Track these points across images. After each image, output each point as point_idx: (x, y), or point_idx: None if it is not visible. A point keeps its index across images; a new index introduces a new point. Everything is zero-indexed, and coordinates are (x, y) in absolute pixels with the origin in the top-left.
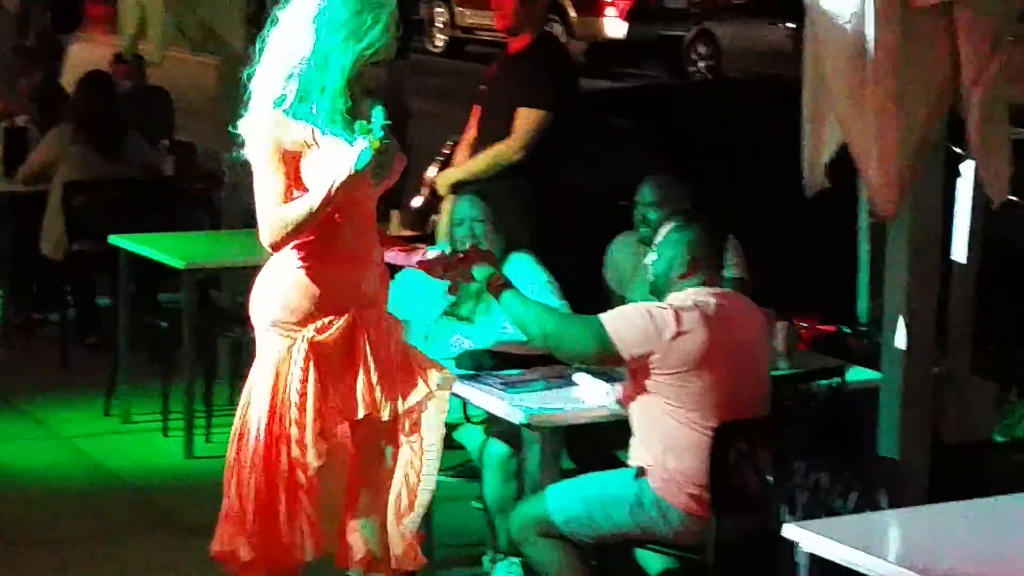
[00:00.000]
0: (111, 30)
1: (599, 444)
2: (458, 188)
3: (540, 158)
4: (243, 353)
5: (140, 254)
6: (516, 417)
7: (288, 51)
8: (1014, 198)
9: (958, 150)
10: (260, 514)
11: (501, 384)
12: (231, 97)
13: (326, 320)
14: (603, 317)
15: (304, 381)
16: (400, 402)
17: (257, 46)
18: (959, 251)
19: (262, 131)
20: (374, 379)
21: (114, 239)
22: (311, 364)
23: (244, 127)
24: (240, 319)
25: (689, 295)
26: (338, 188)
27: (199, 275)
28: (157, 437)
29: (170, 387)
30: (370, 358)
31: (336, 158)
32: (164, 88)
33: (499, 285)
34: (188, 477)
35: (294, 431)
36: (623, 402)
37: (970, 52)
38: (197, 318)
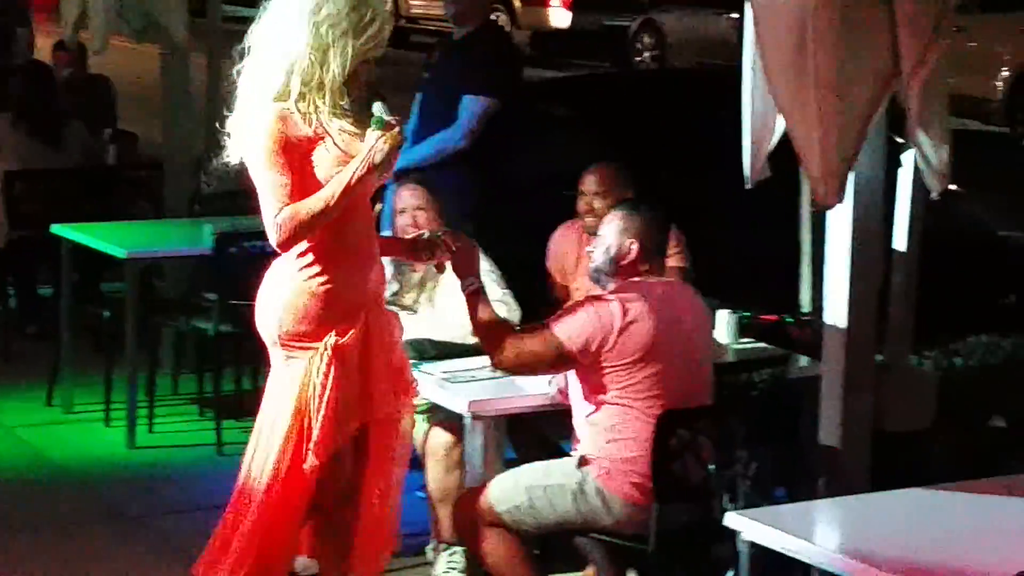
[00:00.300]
0: (53, 18)
1: (541, 433)
2: (401, 176)
3: (484, 146)
4: (186, 343)
5: (82, 243)
6: (458, 406)
7: (285, 46)
8: (955, 187)
9: (899, 139)
10: (257, 538)
11: (443, 373)
12: (175, 87)
13: (343, 326)
14: (552, 324)
15: (323, 392)
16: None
17: (245, 41)
18: (900, 240)
19: (265, 127)
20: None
21: (56, 228)
22: (331, 373)
23: (240, 123)
24: (182, 308)
25: (634, 284)
26: (356, 181)
27: (141, 264)
28: (100, 427)
29: (113, 377)
30: (381, 358)
31: (351, 150)
32: (106, 77)
33: (473, 294)
34: (131, 467)
35: (313, 442)
36: (563, 393)
37: (910, 41)
38: (140, 308)
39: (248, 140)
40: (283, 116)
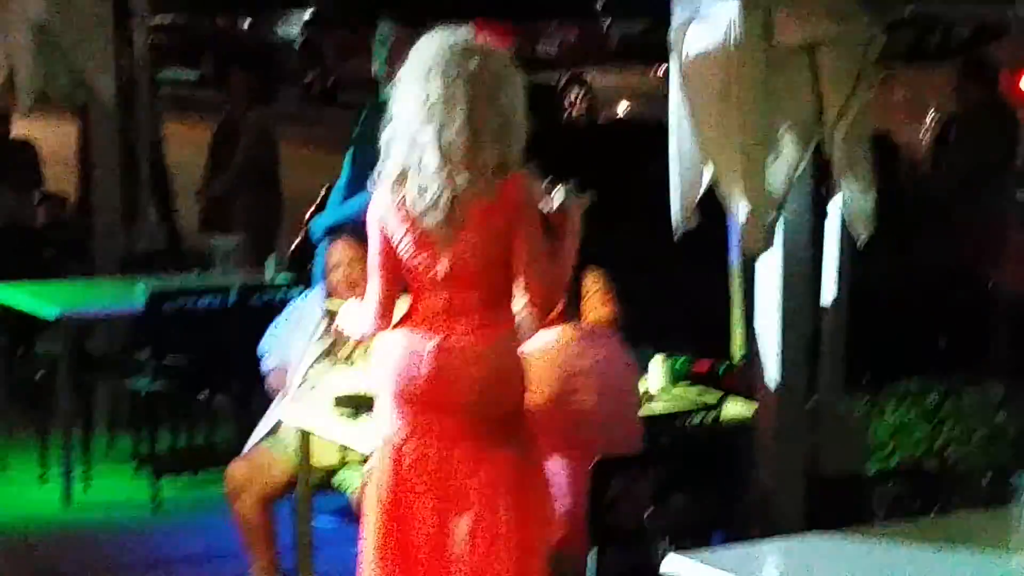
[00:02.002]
0: None
1: None
2: (333, 232)
3: None
4: (121, 401)
5: (11, 305)
6: None
7: (517, 116)
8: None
9: (826, 190)
10: None
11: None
12: (103, 147)
13: None
14: None
15: None
16: None
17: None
18: (828, 287)
19: (536, 193)
20: None
21: None
22: None
23: (509, 189)
24: (116, 367)
25: (551, 332)
26: None
27: (74, 324)
28: (34, 486)
29: (48, 436)
30: None
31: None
32: (28, 141)
33: None
34: (66, 526)
35: None
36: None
37: (832, 92)
38: (73, 367)
39: (517, 205)
40: None
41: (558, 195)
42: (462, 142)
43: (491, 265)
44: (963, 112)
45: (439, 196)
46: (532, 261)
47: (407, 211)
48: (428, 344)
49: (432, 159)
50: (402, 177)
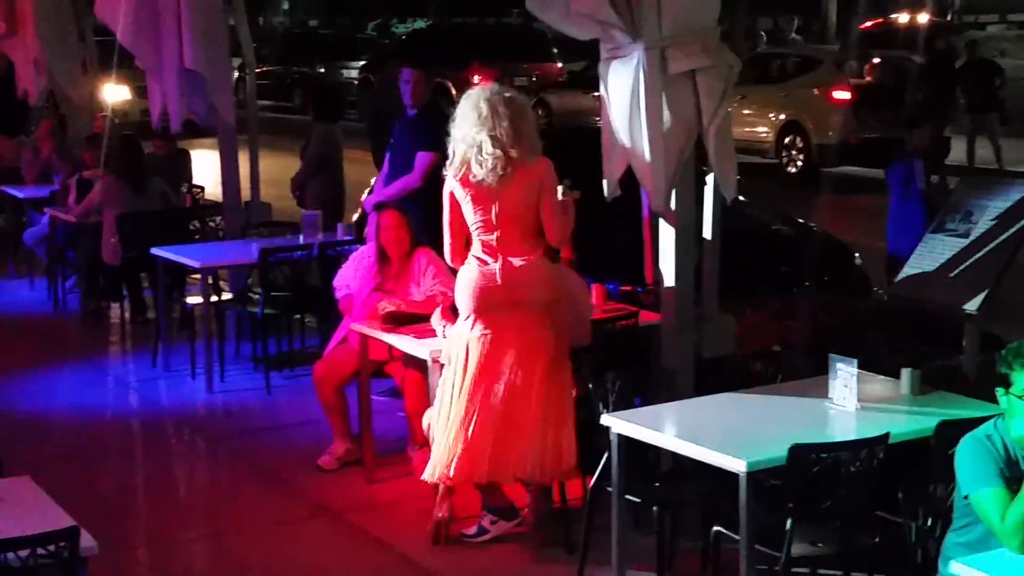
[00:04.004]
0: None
1: None
2: (380, 207)
3: (431, 185)
4: (243, 322)
5: (170, 259)
6: (424, 354)
7: (530, 123)
8: (742, 198)
9: (704, 167)
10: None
11: (413, 333)
12: (228, 153)
13: None
14: None
15: None
16: None
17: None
18: (707, 233)
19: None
20: None
21: (153, 250)
22: None
23: (540, 163)
24: (239, 299)
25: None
26: None
27: (211, 271)
28: (188, 379)
29: (195, 347)
30: None
31: None
32: (185, 150)
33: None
34: (210, 404)
35: None
36: None
37: (707, 103)
38: (211, 300)
39: (541, 175)
40: None
41: (562, 187)
42: (506, 135)
43: (525, 212)
44: None
45: (495, 164)
46: (552, 214)
47: (470, 180)
48: (495, 265)
49: (488, 145)
50: (463, 164)
